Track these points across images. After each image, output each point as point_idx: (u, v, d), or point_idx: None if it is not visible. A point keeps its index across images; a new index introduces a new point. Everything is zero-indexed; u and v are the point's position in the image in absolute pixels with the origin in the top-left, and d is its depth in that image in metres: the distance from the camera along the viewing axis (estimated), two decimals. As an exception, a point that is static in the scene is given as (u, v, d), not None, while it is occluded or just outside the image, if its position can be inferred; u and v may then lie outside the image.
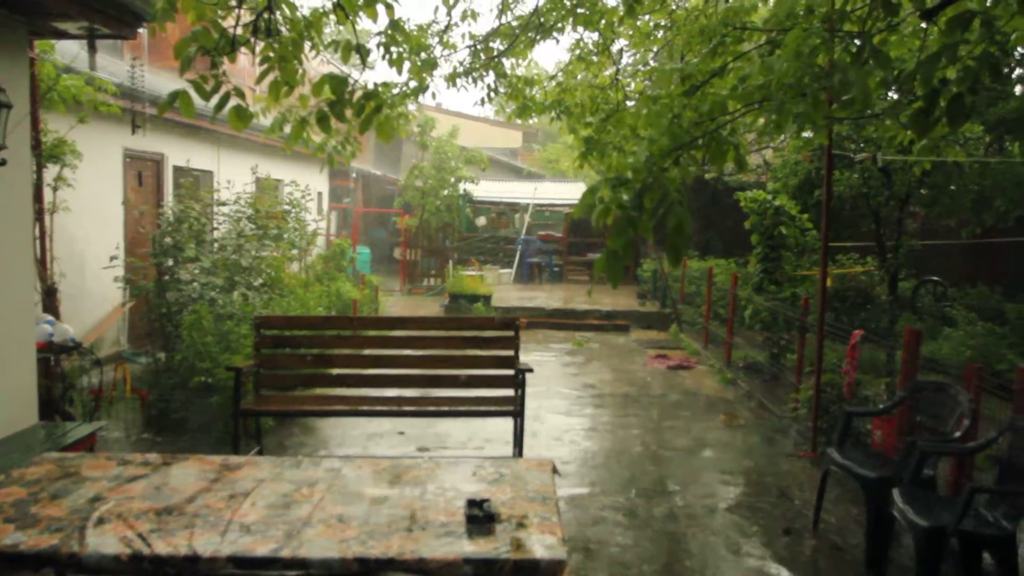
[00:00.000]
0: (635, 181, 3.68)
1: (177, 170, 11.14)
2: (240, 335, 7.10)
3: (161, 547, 2.54)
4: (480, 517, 2.67)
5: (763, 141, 13.73)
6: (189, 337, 7.13)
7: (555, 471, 3.28)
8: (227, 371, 6.01)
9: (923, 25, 3.81)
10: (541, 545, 2.54)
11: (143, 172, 10.46)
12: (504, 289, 17.74)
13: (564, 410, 8.26)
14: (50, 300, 7.05)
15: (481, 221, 22.72)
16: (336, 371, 6.00)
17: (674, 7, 7.80)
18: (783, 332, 9.39)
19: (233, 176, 11.53)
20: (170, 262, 8.05)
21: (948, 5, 3.58)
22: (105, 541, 2.58)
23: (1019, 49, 9.76)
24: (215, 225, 9.39)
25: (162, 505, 2.90)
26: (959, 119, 3.15)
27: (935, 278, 13.16)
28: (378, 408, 5.92)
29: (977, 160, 9.64)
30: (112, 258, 8.15)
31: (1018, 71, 11.39)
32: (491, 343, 5.99)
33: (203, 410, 6.96)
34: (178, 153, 11.14)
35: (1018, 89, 11.36)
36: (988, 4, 3.60)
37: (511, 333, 5.86)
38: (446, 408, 5.84)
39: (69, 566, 2.58)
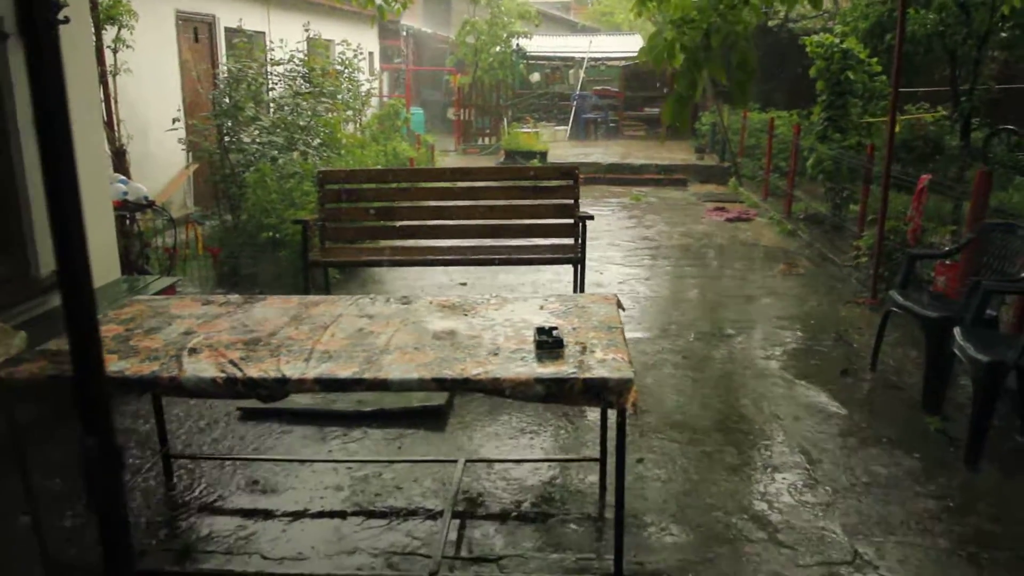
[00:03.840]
0: (701, 21, 3.58)
1: (229, 32, 11.08)
2: (303, 192, 7.25)
3: (252, 371, 2.72)
4: (549, 343, 2.79)
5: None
6: (254, 195, 7.30)
7: (619, 305, 3.37)
8: (294, 224, 6.19)
9: None
10: (609, 366, 2.66)
11: (198, 33, 10.43)
12: (559, 146, 17.55)
13: (622, 261, 8.34)
14: (120, 161, 7.26)
15: (535, 77, 22.21)
16: (399, 223, 6.12)
17: None
18: (846, 182, 9.19)
19: (284, 36, 11.37)
20: (230, 123, 8.15)
21: None
22: (201, 367, 2.78)
23: None
24: (271, 85, 9.41)
25: (248, 337, 3.08)
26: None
27: (1011, 127, 12.58)
28: (442, 257, 6.07)
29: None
30: (175, 120, 8.27)
31: None
32: (551, 192, 6.02)
33: (272, 264, 7.22)
34: (229, 14, 11.04)
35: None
36: None
37: (571, 182, 5.87)
38: (508, 256, 5.96)
39: (171, 389, 2.80)
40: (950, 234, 7.30)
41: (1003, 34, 9.96)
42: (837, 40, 9.54)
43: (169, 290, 5.67)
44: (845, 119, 9.50)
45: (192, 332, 3.16)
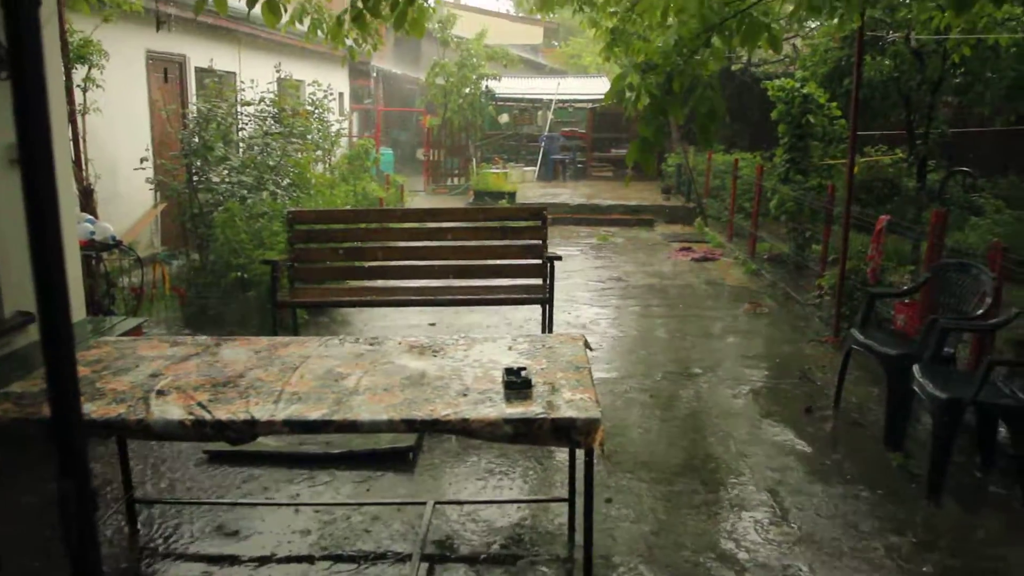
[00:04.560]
0: (664, 66, 3.69)
1: (200, 71, 11.12)
2: (272, 232, 7.25)
3: (221, 413, 2.72)
4: (518, 383, 2.82)
5: (794, 28, 13.37)
6: (223, 235, 7.29)
7: (587, 345, 3.42)
8: (263, 265, 6.19)
9: None
10: (576, 406, 2.70)
11: (168, 72, 10.46)
12: (528, 186, 17.72)
13: (590, 301, 8.42)
14: (87, 201, 7.22)
15: (504, 119, 22.48)
16: (368, 264, 6.15)
17: None
18: (809, 222, 9.39)
19: (255, 76, 11.44)
20: (199, 162, 8.15)
21: None
22: (169, 409, 2.77)
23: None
24: (241, 125, 9.44)
25: (217, 379, 3.08)
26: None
27: (965, 168, 12.97)
28: (410, 298, 6.10)
29: (1016, 41, 9.36)
30: (142, 160, 8.26)
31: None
32: (519, 232, 6.09)
33: (240, 305, 7.18)
34: (200, 54, 11.09)
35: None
36: None
37: (539, 223, 5.95)
38: (477, 297, 6.01)
39: (138, 432, 2.78)
40: (909, 273, 7.48)
41: (956, 79, 10.31)
42: (798, 85, 9.82)
43: (135, 331, 5.63)
44: (806, 161, 9.74)
45: (160, 374, 3.15)
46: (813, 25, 12.47)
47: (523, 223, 6.11)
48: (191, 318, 7.31)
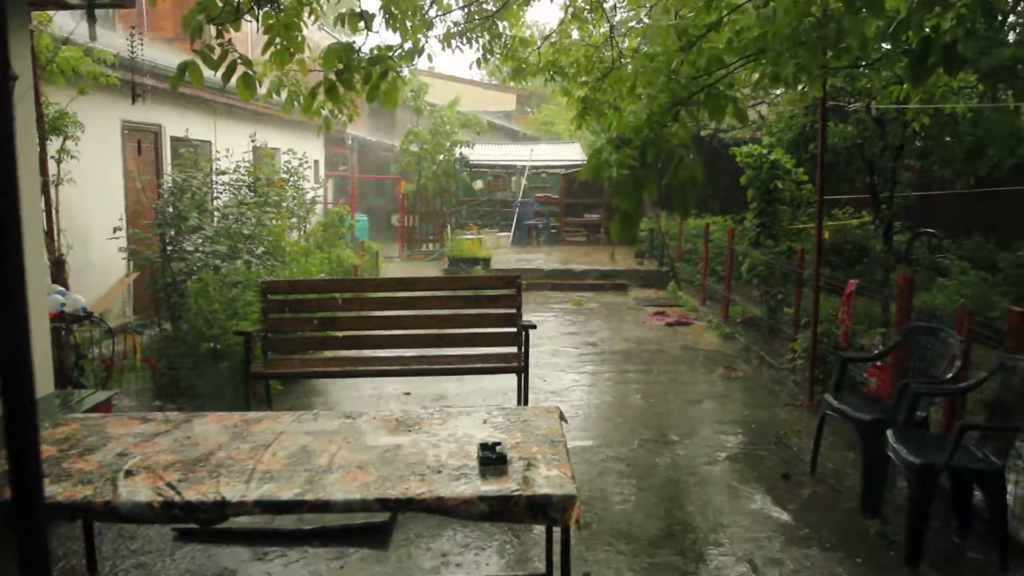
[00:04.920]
0: (636, 139, 3.77)
1: (175, 140, 11.19)
2: (246, 301, 7.22)
3: (190, 494, 2.67)
4: (493, 459, 2.81)
5: (759, 95, 13.75)
6: (196, 305, 7.25)
7: (562, 417, 3.42)
8: (236, 336, 6.15)
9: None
10: (552, 483, 2.69)
11: (142, 142, 10.51)
12: (502, 252, 17.83)
13: (565, 367, 8.42)
14: (59, 272, 7.16)
15: (478, 185, 22.73)
16: (342, 333, 6.13)
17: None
18: (780, 286, 9.52)
19: (231, 145, 11.55)
20: (173, 232, 8.14)
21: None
22: (137, 490, 2.72)
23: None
24: (216, 194, 9.47)
25: (187, 457, 3.03)
26: (955, 67, 3.22)
27: (930, 230, 13.26)
28: (385, 368, 6.07)
29: (971, 108, 9.69)
30: (116, 229, 8.24)
31: (1011, 18, 11.41)
32: (494, 301, 6.12)
33: (212, 377, 7.10)
34: (175, 123, 11.18)
35: (1011, 36, 11.37)
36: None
37: (513, 291, 5.98)
38: (452, 366, 5.99)
39: (104, 515, 2.72)
40: (880, 335, 7.58)
41: (917, 144, 10.61)
42: (765, 151, 10.06)
43: (105, 404, 5.53)
44: (776, 226, 9.92)
45: (128, 453, 3.09)
46: (778, 92, 12.83)
47: (497, 292, 6.15)
48: (163, 389, 7.21)
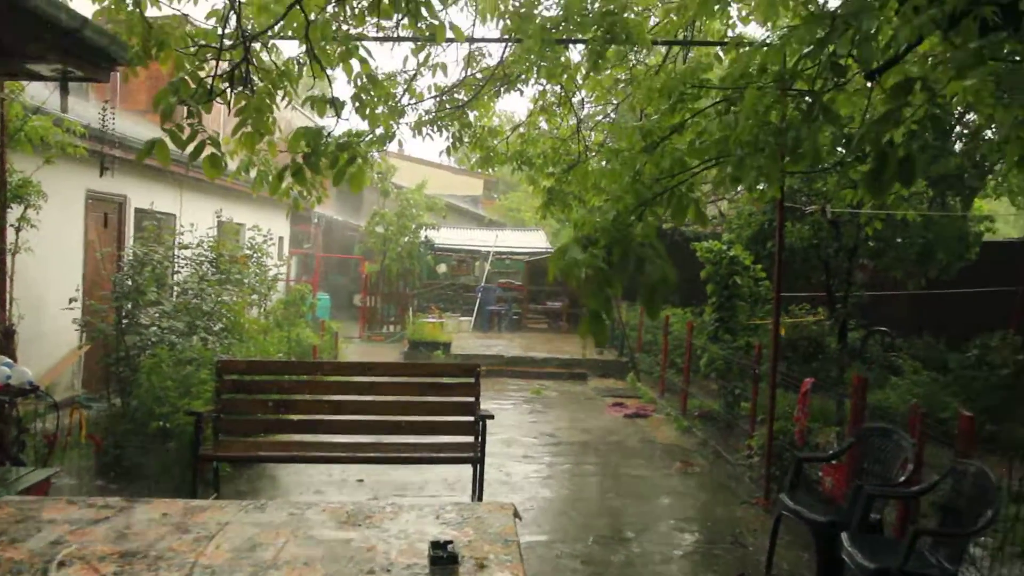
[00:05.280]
0: (603, 239, 3.83)
1: (139, 212, 11.13)
2: (200, 380, 7.07)
3: (126, 588, 2.56)
4: (444, 558, 2.73)
5: (720, 192, 14.13)
6: (148, 381, 7.09)
7: (516, 515, 3.36)
8: (187, 416, 6.00)
9: (868, 85, 4.05)
10: (503, 585, 2.62)
11: (106, 214, 10.43)
12: (464, 337, 17.80)
13: (523, 457, 8.32)
14: (7, 342, 6.97)
15: (442, 268, 22.85)
16: (297, 417, 6.02)
17: (634, 62, 8.07)
18: (737, 380, 9.59)
19: (196, 219, 11.52)
20: (130, 305, 8.02)
21: (890, 67, 3.83)
22: (69, 583, 2.59)
23: (958, 108, 10.26)
24: (177, 268, 9.39)
25: (125, 548, 2.91)
26: (911, 178, 3.34)
27: (883, 328, 13.53)
28: (338, 454, 5.94)
29: (921, 213, 10.04)
30: (71, 300, 8.09)
31: (957, 128, 11.95)
32: (452, 389, 6.07)
33: (159, 456, 6.90)
34: (141, 195, 11.13)
35: (957, 146, 11.89)
36: (928, 65, 3.84)
37: (471, 379, 5.94)
38: (406, 455, 5.89)
39: (32, 608, 2.58)
40: (835, 433, 7.63)
41: (870, 245, 10.92)
42: (725, 247, 10.28)
43: (44, 484, 5.33)
44: (734, 320, 10.06)
45: (63, 541, 2.96)
46: (739, 188, 13.19)
47: (456, 380, 6.10)
48: (106, 468, 6.97)
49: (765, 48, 3.99)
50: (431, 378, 6.16)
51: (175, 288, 9.05)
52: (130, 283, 8.08)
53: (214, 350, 8.03)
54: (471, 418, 5.84)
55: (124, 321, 7.96)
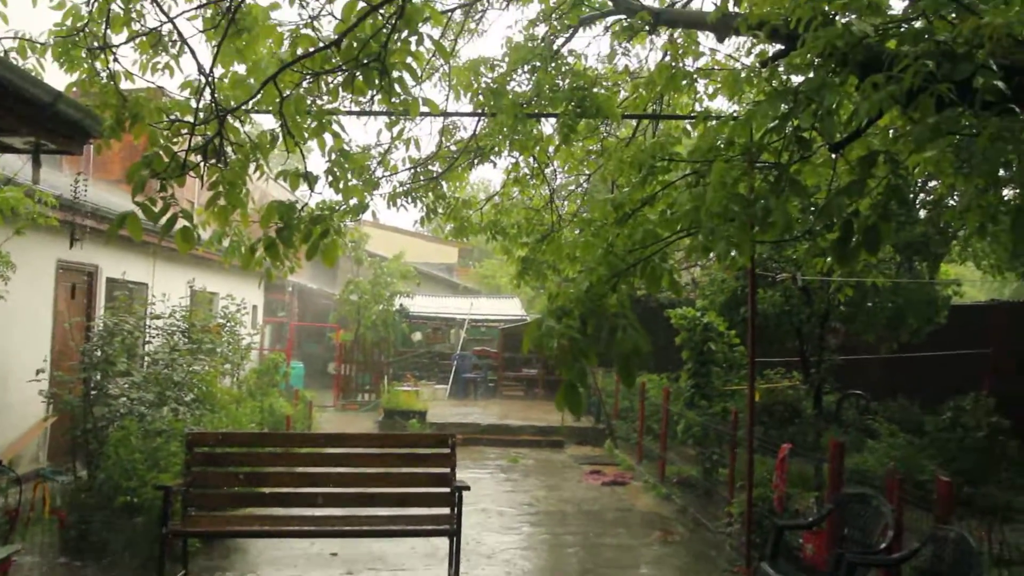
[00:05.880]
0: (576, 310, 3.85)
1: (111, 282, 11.02)
2: (169, 452, 6.93)
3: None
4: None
5: (692, 259, 14.29)
6: (115, 454, 6.93)
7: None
8: (155, 490, 5.86)
9: (833, 156, 4.16)
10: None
11: (76, 284, 10.33)
12: (439, 405, 17.64)
13: (500, 527, 8.17)
14: (-31, 417, 6.81)
15: (417, 336, 22.79)
16: (269, 490, 5.90)
17: (605, 134, 8.25)
18: (715, 446, 9.56)
19: (168, 288, 11.45)
20: (99, 375, 7.88)
21: (853, 140, 3.94)
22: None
23: (920, 178, 10.57)
24: (148, 338, 9.27)
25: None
26: (876, 246, 3.40)
27: (858, 392, 13.60)
28: (311, 528, 5.81)
29: (890, 280, 10.21)
30: (38, 371, 7.95)
31: (921, 196, 12.28)
32: (427, 460, 5.99)
33: (126, 532, 6.70)
34: (113, 265, 11.05)
35: (922, 213, 12.19)
36: (890, 138, 3.95)
37: (447, 450, 5.87)
38: (381, 528, 5.77)
39: None
40: (814, 499, 7.60)
41: (842, 308, 11.07)
42: (699, 314, 10.36)
43: (5, 563, 5.16)
44: (710, 387, 10.08)
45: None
46: (711, 255, 13.36)
47: (431, 450, 6.03)
48: (71, 545, 6.75)
49: (732, 122, 4.10)
50: (406, 449, 6.09)
51: (146, 358, 8.93)
52: (99, 353, 7.95)
53: (185, 421, 7.89)
54: (447, 489, 5.75)
55: (92, 392, 7.81)
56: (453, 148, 7.61)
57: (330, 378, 20.14)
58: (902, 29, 3.73)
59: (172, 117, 4.22)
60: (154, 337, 9.36)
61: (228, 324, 11.03)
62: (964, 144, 3.32)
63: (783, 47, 4.78)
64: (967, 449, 9.81)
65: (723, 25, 5.58)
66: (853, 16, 3.82)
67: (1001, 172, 3.19)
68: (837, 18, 3.90)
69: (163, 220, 3.73)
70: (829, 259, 6.69)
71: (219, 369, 10.30)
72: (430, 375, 20.91)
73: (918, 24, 3.69)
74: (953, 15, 3.66)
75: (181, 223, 3.77)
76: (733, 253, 4.66)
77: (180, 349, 9.03)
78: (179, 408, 8.33)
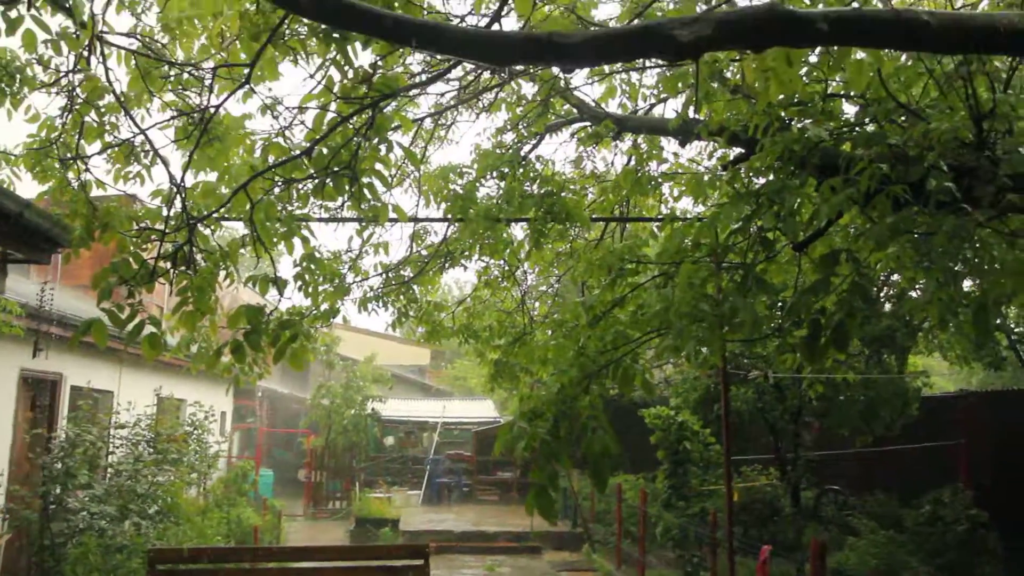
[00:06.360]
0: (549, 412, 3.83)
1: (75, 390, 10.77)
2: (130, 570, 6.66)
3: None
4: None
5: (664, 359, 14.34)
6: (73, 574, 6.64)
7: None
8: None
9: (797, 255, 4.25)
10: None
11: (38, 395, 10.08)
12: (412, 511, 17.20)
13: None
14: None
15: (389, 441, 22.42)
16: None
17: (574, 236, 8.36)
18: (695, 549, 9.36)
19: (135, 396, 11.22)
20: (58, 489, 7.63)
21: (815, 239, 4.03)
22: None
23: (883, 273, 10.78)
24: (111, 449, 9.04)
25: None
26: (844, 343, 3.44)
27: (835, 487, 13.46)
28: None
29: (861, 375, 10.28)
30: (-6, 487, 7.68)
31: (885, 289, 12.50)
32: (400, 573, 5.79)
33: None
34: (78, 373, 10.82)
35: (888, 306, 12.38)
36: (851, 236, 4.05)
37: (421, 562, 5.69)
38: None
39: None
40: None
41: (815, 403, 11.08)
42: (673, 412, 10.31)
43: None
44: (686, 487, 9.95)
45: None
46: (683, 353, 13.39)
47: (404, 562, 5.84)
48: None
49: (698, 224, 4.19)
50: (378, 561, 5.89)
51: (109, 469, 8.67)
52: (60, 466, 7.73)
53: (147, 535, 7.62)
54: (421, 603, 5.55)
55: (52, 506, 7.55)
56: (424, 253, 7.66)
57: (300, 485, 19.62)
58: (855, 133, 3.88)
59: (142, 225, 4.24)
60: (118, 447, 9.13)
61: (195, 432, 10.79)
62: (923, 239, 3.41)
63: (743, 151, 4.93)
64: (948, 544, 9.70)
65: (684, 131, 5.77)
66: (808, 121, 3.98)
67: (959, 267, 3.28)
68: (793, 123, 4.06)
69: (130, 327, 3.69)
70: (799, 355, 6.76)
71: (185, 479, 10.02)
72: (403, 480, 20.46)
73: (870, 128, 3.85)
74: (903, 119, 3.82)
75: (148, 330, 3.73)
76: (704, 351, 4.70)
77: (144, 459, 8.81)
78: (141, 522, 8.05)
